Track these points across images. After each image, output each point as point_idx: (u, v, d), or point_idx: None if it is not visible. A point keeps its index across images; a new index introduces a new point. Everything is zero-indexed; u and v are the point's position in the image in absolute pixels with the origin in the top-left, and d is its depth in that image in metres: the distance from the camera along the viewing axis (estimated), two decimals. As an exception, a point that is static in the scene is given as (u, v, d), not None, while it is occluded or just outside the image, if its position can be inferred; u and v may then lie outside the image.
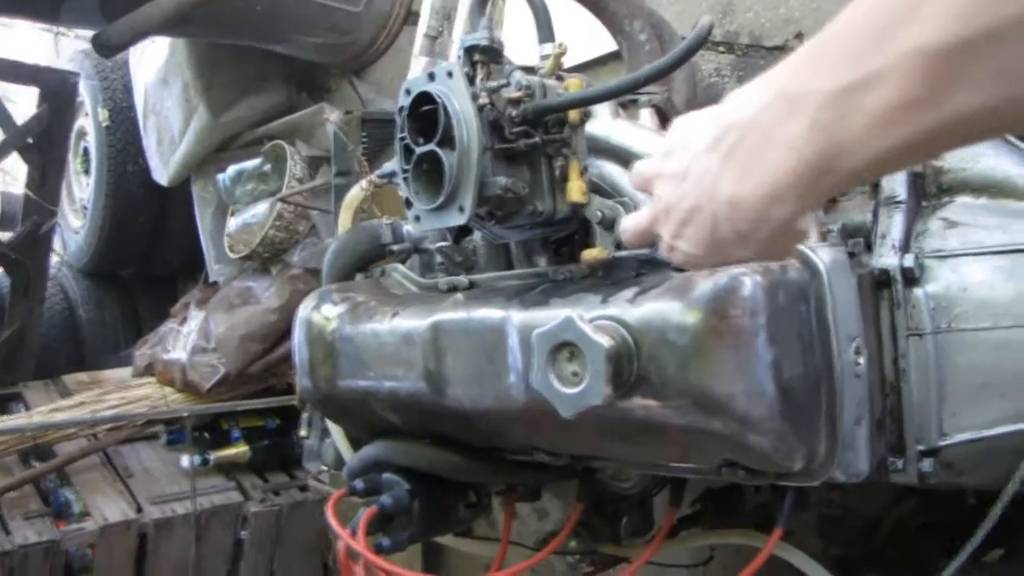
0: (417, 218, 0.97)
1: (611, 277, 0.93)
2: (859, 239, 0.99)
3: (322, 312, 1.18)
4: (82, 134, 3.62)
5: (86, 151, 3.59)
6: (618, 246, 0.92)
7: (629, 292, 0.81)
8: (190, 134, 3.00)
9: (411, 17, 2.65)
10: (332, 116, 1.95)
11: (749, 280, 0.74)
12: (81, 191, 3.70)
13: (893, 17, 0.47)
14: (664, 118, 1.18)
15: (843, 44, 0.51)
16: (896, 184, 1.03)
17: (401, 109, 0.99)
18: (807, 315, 0.79)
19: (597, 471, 1.19)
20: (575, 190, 0.93)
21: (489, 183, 0.91)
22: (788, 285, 0.77)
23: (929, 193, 1.06)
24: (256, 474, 2.74)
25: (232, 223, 2.87)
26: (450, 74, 0.93)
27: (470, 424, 1.02)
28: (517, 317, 0.91)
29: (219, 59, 2.92)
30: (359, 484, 1.14)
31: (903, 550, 1.55)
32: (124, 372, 3.02)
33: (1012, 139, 1.10)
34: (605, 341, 0.73)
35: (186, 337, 2.64)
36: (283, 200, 2.46)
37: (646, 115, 1.08)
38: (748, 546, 1.11)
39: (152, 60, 3.10)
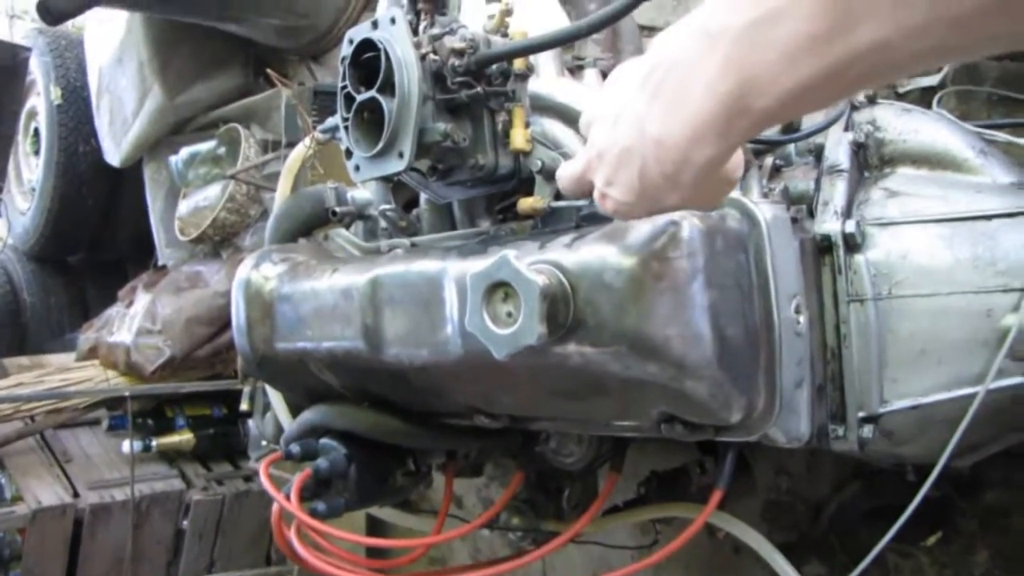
0: (357, 168, 0.95)
1: (550, 228, 0.91)
2: (802, 206, 0.99)
3: (261, 271, 1.15)
4: (33, 114, 3.52)
5: (37, 132, 3.50)
6: (557, 197, 0.90)
7: (566, 238, 0.80)
8: (144, 114, 2.92)
9: (371, 3, 2.62)
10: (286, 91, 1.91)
11: (687, 223, 0.73)
12: (30, 172, 3.59)
13: None
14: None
15: None
16: (839, 153, 1.04)
17: (344, 59, 0.97)
18: (746, 264, 0.78)
19: (538, 443, 1.17)
20: (519, 136, 0.91)
21: (429, 130, 0.89)
22: (727, 232, 0.76)
23: (871, 164, 1.07)
24: (200, 463, 2.66)
25: (183, 206, 2.81)
26: (393, 20, 0.92)
27: (408, 383, 1.00)
28: (454, 268, 0.89)
29: (176, 39, 2.85)
30: (295, 448, 1.11)
31: (846, 535, 1.56)
32: (67, 357, 2.93)
33: (948, 115, 1.11)
34: (539, 279, 0.71)
35: (132, 319, 2.57)
36: (235, 178, 2.41)
37: (591, 75, 1.07)
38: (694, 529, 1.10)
39: (108, 38, 3.03)
